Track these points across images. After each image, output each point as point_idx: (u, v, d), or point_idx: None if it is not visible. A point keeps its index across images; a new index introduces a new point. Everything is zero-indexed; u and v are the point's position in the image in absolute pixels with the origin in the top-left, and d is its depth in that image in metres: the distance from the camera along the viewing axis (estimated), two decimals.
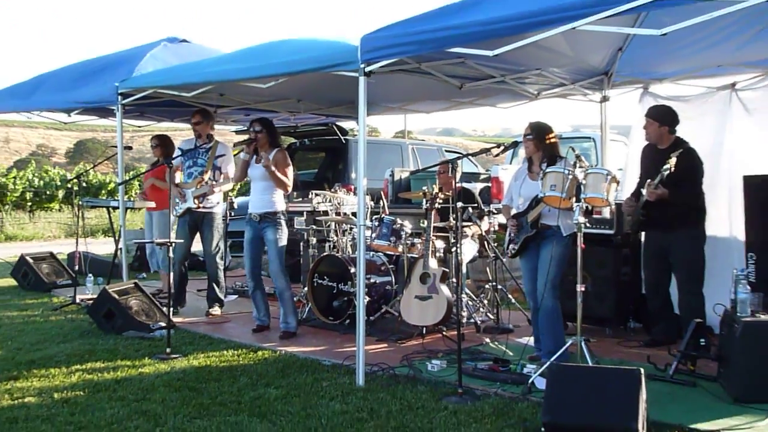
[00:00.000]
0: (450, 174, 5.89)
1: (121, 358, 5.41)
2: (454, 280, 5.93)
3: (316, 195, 7.36)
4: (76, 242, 8.24)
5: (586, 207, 4.60)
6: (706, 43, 5.48)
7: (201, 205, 6.86)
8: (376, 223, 6.50)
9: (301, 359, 5.36)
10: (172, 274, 6.37)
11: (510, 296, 6.83)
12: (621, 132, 10.86)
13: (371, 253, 6.60)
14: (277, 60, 5.67)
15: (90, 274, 8.45)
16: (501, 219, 6.36)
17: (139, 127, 10.07)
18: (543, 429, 3.58)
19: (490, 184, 9.39)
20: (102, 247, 12.51)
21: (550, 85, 6.84)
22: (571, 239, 4.88)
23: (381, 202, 7.18)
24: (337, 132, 10.29)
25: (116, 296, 6.34)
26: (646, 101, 6.61)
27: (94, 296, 6.83)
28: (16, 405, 4.34)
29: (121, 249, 7.49)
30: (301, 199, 8.41)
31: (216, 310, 7.12)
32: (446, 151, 13.09)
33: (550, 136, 5.09)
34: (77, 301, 7.62)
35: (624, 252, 6.05)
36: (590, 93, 7.09)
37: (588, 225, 4.74)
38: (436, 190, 6.20)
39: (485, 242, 6.64)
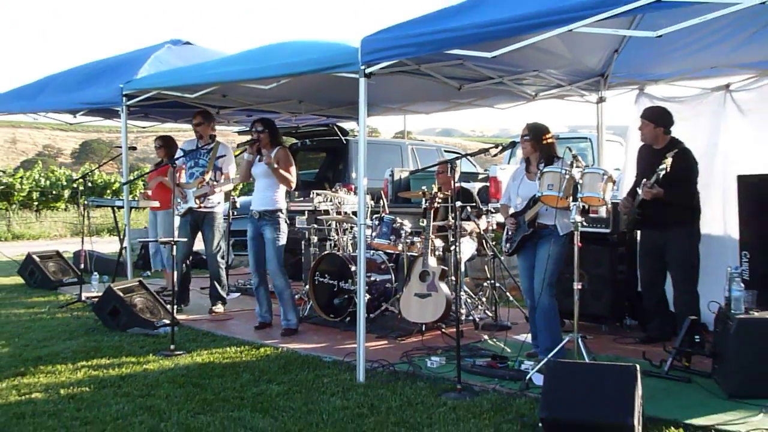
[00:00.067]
0: (449, 174, 5.89)
1: (126, 355, 5.41)
2: (453, 278, 5.93)
3: (317, 194, 7.36)
4: (82, 241, 8.25)
5: (583, 206, 4.60)
6: (701, 44, 5.48)
7: (202, 205, 6.86)
8: (377, 222, 6.50)
9: (302, 356, 5.36)
10: (175, 272, 6.39)
11: (508, 294, 6.84)
12: (617, 132, 10.86)
13: (371, 251, 6.60)
14: (279, 62, 5.67)
15: (95, 273, 8.47)
16: (499, 218, 6.36)
17: (144, 127, 10.06)
18: (540, 424, 3.58)
19: (488, 184, 9.37)
20: (107, 245, 12.53)
21: (548, 86, 6.84)
22: (567, 238, 4.89)
23: (381, 202, 7.18)
24: (338, 132, 10.29)
25: (121, 294, 6.34)
26: (642, 102, 6.61)
27: (100, 294, 6.83)
28: (23, 400, 4.34)
29: (125, 248, 7.49)
30: (302, 198, 8.41)
31: (219, 308, 7.12)
32: (445, 151, 13.08)
33: (547, 136, 5.09)
34: (83, 298, 7.62)
35: (620, 250, 6.05)
36: (587, 94, 7.09)
37: (585, 224, 4.74)
38: (435, 189, 6.20)
39: (484, 241, 6.64)
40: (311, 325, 6.52)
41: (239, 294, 8.14)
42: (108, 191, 24.19)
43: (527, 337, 5.34)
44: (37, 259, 8.94)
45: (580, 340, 4.50)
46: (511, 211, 5.24)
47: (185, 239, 6.88)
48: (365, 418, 3.97)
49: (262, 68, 5.80)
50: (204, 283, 7.80)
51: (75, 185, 21.16)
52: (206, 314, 7.01)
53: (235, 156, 7.16)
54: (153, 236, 8.32)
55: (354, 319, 5.52)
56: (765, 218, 5.16)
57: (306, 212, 7.58)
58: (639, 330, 5.98)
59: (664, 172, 4.97)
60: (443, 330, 5.97)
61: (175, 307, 6.05)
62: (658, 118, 5.56)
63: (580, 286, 4.56)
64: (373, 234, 6.42)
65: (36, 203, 22.41)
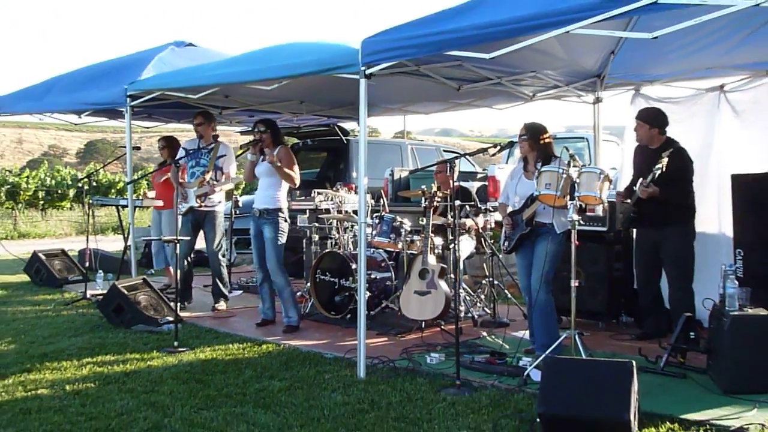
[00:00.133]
0: (448, 173, 5.88)
1: (130, 352, 5.41)
2: (452, 275, 5.93)
3: (319, 193, 7.36)
4: (87, 239, 8.24)
5: (580, 205, 4.60)
6: (696, 46, 5.48)
7: (203, 204, 6.86)
8: (377, 221, 6.50)
9: (304, 352, 5.36)
10: (178, 270, 6.38)
11: (506, 291, 6.84)
12: (613, 132, 10.84)
13: (372, 249, 6.60)
14: (281, 63, 5.66)
15: (100, 271, 8.47)
16: (497, 216, 6.35)
17: (147, 128, 10.05)
18: (538, 419, 3.58)
19: (486, 183, 9.38)
20: (111, 244, 12.52)
21: (545, 86, 6.83)
22: (564, 236, 4.88)
23: (381, 201, 7.18)
24: (339, 132, 10.28)
25: (125, 291, 6.33)
26: (638, 102, 6.61)
27: (104, 292, 6.83)
28: (29, 396, 4.34)
29: (129, 246, 7.49)
30: (303, 197, 8.41)
31: (222, 305, 7.11)
32: (444, 150, 13.08)
33: (545, 136, 5.08)
34: (88, 296, 7.61)
35: (616, 248, 6.05)
36: (583, 94, 7.08)
37: (581, 222, 4.74)
38: (434, 188, 6.19)
39: (482, 239, 6.64)
40: (312, 322, 6.52)
41: (241, 291, 8.14)
42: (112, 190, 24.19)
43: (525, 334, 5.34)
44: (43, 258, 8.94)
45: (577, 337, 4.51)
46: (509, 209, 5.24)
47: (187, 238, 6.88)
48: (366, 413, 3.97)
49: (264, 69, 5.79)
50: (207, 281, 7.79)
51: (80, 185, 21.12)
52: (209, 311, 7.01)
53: (238, 155, 7.16)
54: (155, 235, 8.32)
55: (354, 316, 5.52)
56: (759, 217, 5.16)
57: (307, 211, 7.58)
58: (635, 327, 5.98)
59: (660, 171, 4.97)
60: (442, 327, 5.97)
61: (179, 304, 6.04)
62: (652, 120, 5.56)
63: (577, 284, 4.56)
64: (374, 232, 6.42)
65: (42, 202, 22.42)
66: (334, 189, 7.36)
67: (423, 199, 6.23)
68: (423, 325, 5.96)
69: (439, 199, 6.20)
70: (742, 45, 5.31)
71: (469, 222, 6.52)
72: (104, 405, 4.15)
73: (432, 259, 5.87)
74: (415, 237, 6.38)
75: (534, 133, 5.07)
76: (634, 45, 6.02)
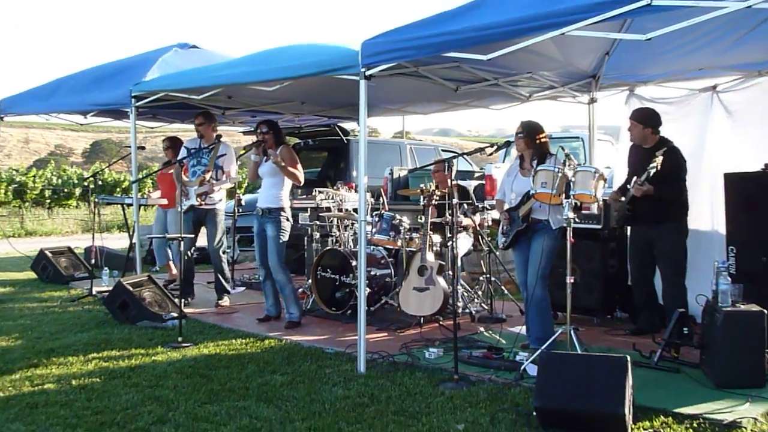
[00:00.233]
0: (446, 172, 5.88)
1: (135, 347, 5.41)
2: (450, 272, 5.93)
3: (320, 192, 7.35)
4: (93, 237, 8.24)
5: (575, 203, 4.60)
6: (689, 47, 5.47)
7: (203, 203, 6.86)
8: (377, 219, 6.49)
9: (305, 347, 5.35)
10: (174, 266, 6.37)
11: (503, 288, 6.84)
12: (608, 132, 10.85)
13: (372, 247, 6.59)
14: (282, 64, 5.65)
15: (106, 268, 8.48)
16: (494, 215, 6.35)
17: (152, 128, 10.03)
18: (534, 413, 3.58)
19: (484, 182, 9.37)
20: (117, 241, 12.52)
21: (541, 87, 6.83)
22: (560, 232, 4.88)
23: (381, 199, 7.17)
24: (339, 132, 10.27)
25: (130, 288, 6.33)
26: (632, 103, 6.60)
27: (110, 288, 6.82)
28: (36, 391, 4.34)
29: (134, 243, 7.48)
30: (305, 196, 8.40)
31: (225, 301, 7.12)
32: (442, 150, 13.06)
33: (541, 135, 5.07)
34: (93, 293, 7.61)
35: (611, 246, 6.05)
36: (579, 95, 7.08)
37: (577, 220, 4.73)
38: (432, 187, 6.18)
39: (479, 236, 6.63)
40: (314, 317, 6.52)
41: (244, 288, 8.14)
42: (118, 189, 24.20)
43: (521, 329, 5.34)
44: (50, 255, 8.93)
45: (572, 332, 4.50)
46: (506, 206, 5.24)
47: (191, 236, 6.89)
48: (366, 407, 3.97)
49: (266, 71, 5.79)
50: (210, 277, 7.79)
51: (86, 183, 21.17)
52: (212, 307, 7.01)
53: (240, 155, 7.16)
54: (157, 232, 8.32)
55: (355, 312, 5.51)
56: (751, 214, 5.15)
57: (309, 209, 7.58)
58: (629, 322, 5.98)
59: (654, 170, 4.97)
60: (441, 322, 5.96)
61: (183, 300, 6.04)
62: (646, 120, 5.56)
63: (572, 280, 4.55)
64: (374, 230, 6.41)
65: (48, 201, 22.41)
66: (335, 188, 7.35)
67: (422, 197, 6.23)
68: (422, 321, 5.96)
69: (438, 198, 6.19)
70: (735, 46, 5.31)
71: (466, 222, 6.51)
72: (110, 399, 4.15)
73: (430, 256, 5.87)
74: (414, 234, 6.38)
75: (530, 131, 5.06)
76: (628, 46, 6.01)
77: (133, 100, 6.97)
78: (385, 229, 6.36)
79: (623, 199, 5.51)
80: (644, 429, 3.56)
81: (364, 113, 4.77)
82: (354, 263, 6.19)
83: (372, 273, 6.37)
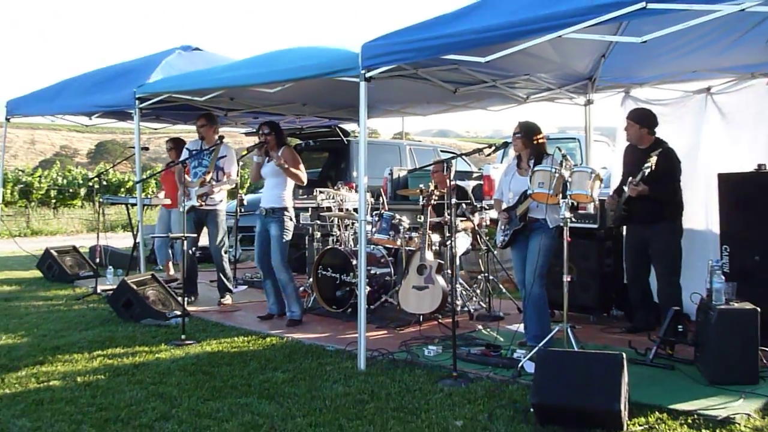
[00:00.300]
0: (444, 172, 5.88)
1: (139, 345, 5.41)
2: (449, 271, 5.93)
3: (320, 192, 7.35)
4: (97, 237, 8.24)
5: (572, 203, 4.60)
6: (684, 50, 5.47)
7: (204, 203, 6.86)
8: (376, 219, 6.49)
9: (306, 345, 5.35)
10: (173, 265, 6.37)
11: (501, 286, 6.83)
12: (604, 133, 10.83)
13: (372, 246, 6.59)
14: (284, 67, 5.65)
15: (110, 266, 8.47)
16: (492, 214, 6.36)
17: (155, 129, 10.03)
18: (532, 410, 3.58)
19: (482, 182, 9.37)
20: (121, 241, 12.51)
21: (538, 89, 6.83)
22: (557, 231, 4.89)
23: (381, 199, 7.17)
24: (340, 133, 10.27)
25: (134, 287, 6.33)
26: (628, 104, 6.60)
27: (114, 287, 6.82)
28: (42, 388, 4.34)
29: (138, 243, 7.48)
30: (306, 196, 8.40)
31: (227, 300, 7.12)
32: (441, 151, 13.06)
33: (538, 136, 5.08)
34: (98, 291, 7.61)
35: (607, 245, 6.04)
36: (575, 97, 7.08)
37: (573, 220, 4.74)
38: (431, 187, 6.18)
39: (478, 236, 6.64)
40: (315, 316, 6.52)
41: (246, 287, 8.14)
42: (122, 189, 24.17)
43: (519, 327, 5.34)
44: (55, 254, 8.93)
45: (569, 330, 4.50)
46: (504, 206, 5.24)
47: (194, 235, 6.90)
48: (366, 403, 3.97)
49: (268, 73, 5.79)
50: (212, 276, 7.79)
51: (91, 184, 21.16)
52: (215, 306, 7.01)
53: (242, 156, 7.15)
54: (159, 231, 8.31)
55: (355, 310, 5.51)
56: (744, 214, 5.15)
57: (310, 209, 7.58)
58: (625, 320, 5.98)
59: (649, 170, 4.97)
60: (440, 320, 5.96)
61: (186, 298, 6.04)
62: (642, 119, 5.55)
63: (569, 279, 4.55)
64: (374, 230, 6.41)
65: (53, 201, 22.40)
66: (336, 188, 7.35)
67: (421, 197, 6.23)
68: (421, 319, 5.96)
69: (437, 198, 6.19)
70: (728, 49, 5.31)
71: (465, 222, 6.51)
72: (114, 396, 4.15)
73: (430, 256, 5.87)
74: (414, 234, 6.37)
75: (528, 131, 5.07)
76: (624, 49, 6.02)
77: (137, 101, 6.97)
78: (385, 228, 6.36)
79: (620, 200, 5.50)
80: (639, 425, 3.56)
81: (364, 114, 4.77)
82: (354, 262, 6.19)
83: (372, 272, 6.37)
